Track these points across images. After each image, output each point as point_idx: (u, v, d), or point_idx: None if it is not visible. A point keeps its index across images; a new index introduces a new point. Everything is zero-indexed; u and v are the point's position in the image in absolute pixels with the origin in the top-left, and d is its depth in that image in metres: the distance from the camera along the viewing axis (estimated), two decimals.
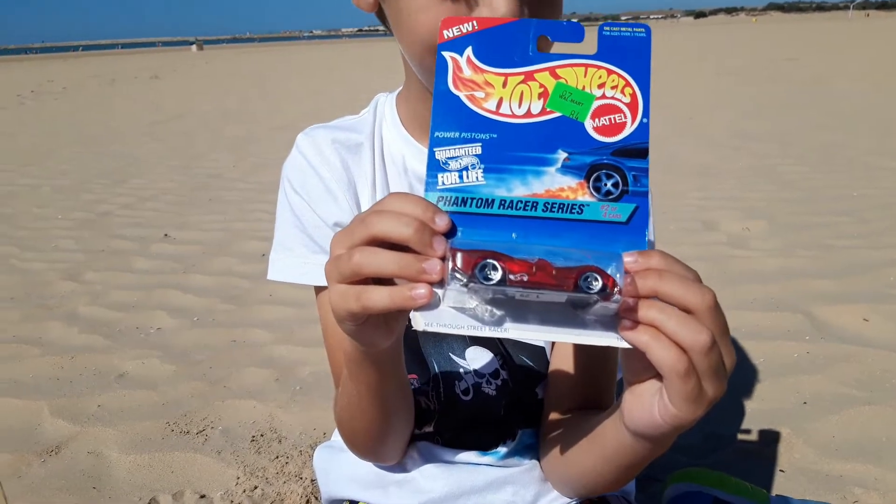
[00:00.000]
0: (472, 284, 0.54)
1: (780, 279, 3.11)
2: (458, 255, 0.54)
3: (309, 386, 2.30)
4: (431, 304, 0.56)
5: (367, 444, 0.98)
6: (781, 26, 52.35)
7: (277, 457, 1.91)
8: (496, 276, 0.53)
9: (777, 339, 2.49)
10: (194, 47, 58.41)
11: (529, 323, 0.57)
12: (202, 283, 3.38)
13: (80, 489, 1.81)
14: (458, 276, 0.54)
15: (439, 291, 0.56)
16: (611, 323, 0.57)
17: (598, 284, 0.53)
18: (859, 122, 7.15)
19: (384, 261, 0.57)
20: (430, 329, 0.57)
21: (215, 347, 2.64)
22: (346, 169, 1.00)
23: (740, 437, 1.96)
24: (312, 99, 11.75)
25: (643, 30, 0.60)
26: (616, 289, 0.53)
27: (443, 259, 0.55)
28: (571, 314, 0.57)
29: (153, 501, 1.75)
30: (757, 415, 2.05)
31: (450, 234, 0.57)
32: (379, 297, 0.58)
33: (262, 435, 2.03)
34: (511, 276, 0.53)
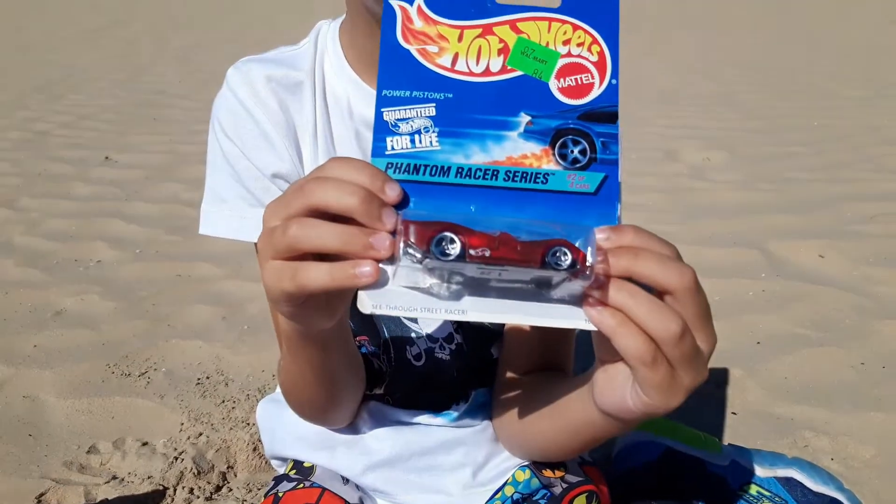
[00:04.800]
0: (427, 261, 0.48)
1: (739, 213, 3.10)
2: (412, 228, 0.48)
3: (258, 325, 2.23)
4: (379, 283, 0.50)
5: (313, 414, 0.94)
6: None
7: (224, 401, 1.85)
8: (454, 250, 0.48)
9: (733, 276, 2.49)
10: None
11: (489, 304, 0.52)
12: (145, 212, 3.22)
13: (15, 436, 1.73)
14: (411, 251, 0.48)
15: (389, 269, 0.50)
16: (577, 303, 0.52)
17: (567, 260, 0.48)
18: (822, 45, 7.11)
19: (325, 234, 0.50)
20: (378, 312, 0.51)
21: (159, 282, 2.53)
22: (284, 111, 0.89)
23: None
24: (267, 3, 11.19)
25: None
26: (587, 264, 0.49)
27: (392, 233, 0.49)
28: (535, 293, 0.52)
29: (93, 449, 1.68)
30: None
31: (401, 205, 0.51)
32: (317, 276, 0.50)
33: (207, 377, 1.96)
34: (471, 251, 0.48)
